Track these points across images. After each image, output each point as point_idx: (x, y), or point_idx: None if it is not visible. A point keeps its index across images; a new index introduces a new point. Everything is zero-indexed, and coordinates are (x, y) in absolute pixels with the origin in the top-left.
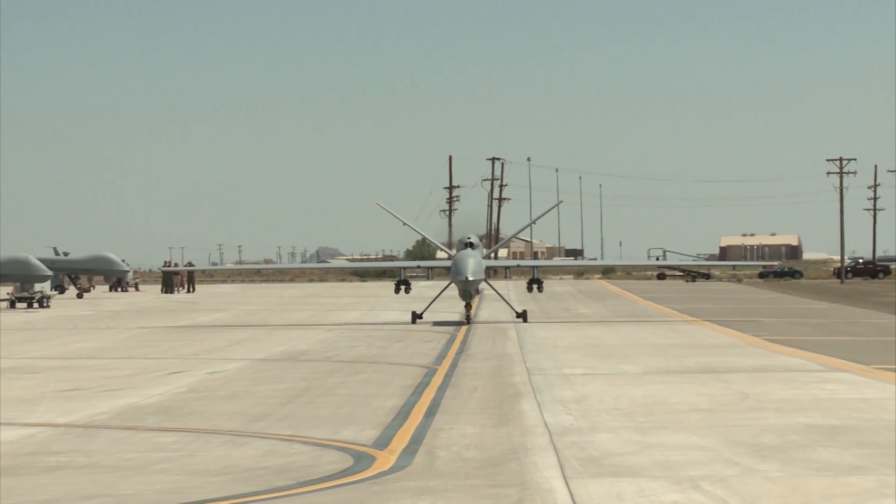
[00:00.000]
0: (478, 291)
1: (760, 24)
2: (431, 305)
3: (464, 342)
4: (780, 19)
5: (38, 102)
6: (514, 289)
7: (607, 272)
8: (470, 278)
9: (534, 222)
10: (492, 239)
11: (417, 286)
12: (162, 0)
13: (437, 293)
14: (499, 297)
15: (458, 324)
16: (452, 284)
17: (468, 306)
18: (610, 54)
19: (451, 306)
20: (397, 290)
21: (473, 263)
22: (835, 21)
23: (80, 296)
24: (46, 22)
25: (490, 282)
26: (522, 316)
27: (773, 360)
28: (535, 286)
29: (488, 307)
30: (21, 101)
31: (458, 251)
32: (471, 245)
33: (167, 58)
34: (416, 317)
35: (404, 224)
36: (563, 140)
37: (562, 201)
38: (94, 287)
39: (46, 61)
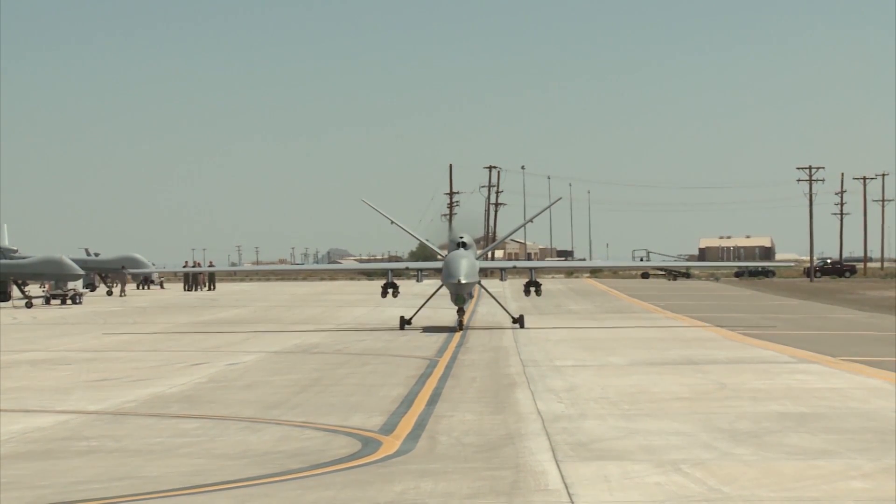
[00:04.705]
0: (471, 295)
1: (737, 47)
2: (427, 305)
3: (463, 337)
4: (754, 42)
5: (70, 116)
6: (509, 288)
7: (595, 272)
8: (463, 281)
9: (531, 220)
10: (489, 242)
11: (421, 285)
12: (191, 19)
13: (429, 296)
14: (494, 299)
15: (451, 330)
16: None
17: (461, 311)
18: (598, 72)
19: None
20: (384, 295)
21: (466, 265)
22: (805, 42)
23: (109, 293)
24: (77, 33)
25: (485, 284)
26: (519, 321)
27: (747, 352)
28: (532, 289)
29: (483, 308)
30: (55, 113)
31: (449, 251)
32: (463, 245)
33: (191, 71)
34: (404, 322)
35: (392, 223)
36: (555, 150)
37: (560, 198)
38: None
39: (77, 71)
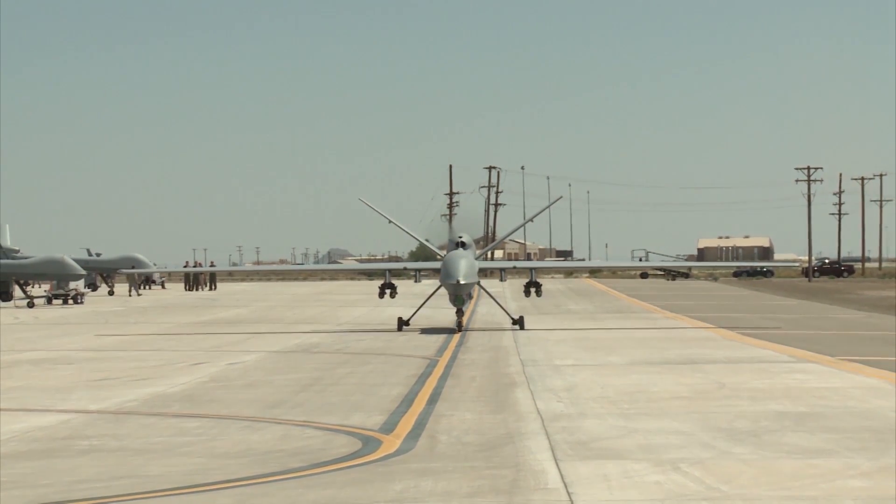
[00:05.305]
0: (470, 296)
1: (735, 48)
2: (426, 306)
3: (462, 337)
4: (753, 44)
5: (72, 117)
6: (509, 288)
7: (595, 272)
8: (462, 281)
9: (530, 220)
10: (488, 242)
11: (421, 285)
12: (193, 21)
13: (428, 296)
14: (493, 299)
15: (450, 331)
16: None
17: (460, 312)
18: (597, 73)
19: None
20: (381, 295)
21: (465, 265)
22: (803, 43)
23: (110, 293)
24: (78, 34)
25: (484, 284)
26: (519, 323)
27: (746, 352)
28: (532, 289)
29: (482, 308)
30: (56, 114)
31: (448, 251)
32: (462, 244)
33: (193, 72)
34: (402, 323)
35: (390, 222)
36: (554, 150)
37: (560, 197)
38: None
39: (78, 72)
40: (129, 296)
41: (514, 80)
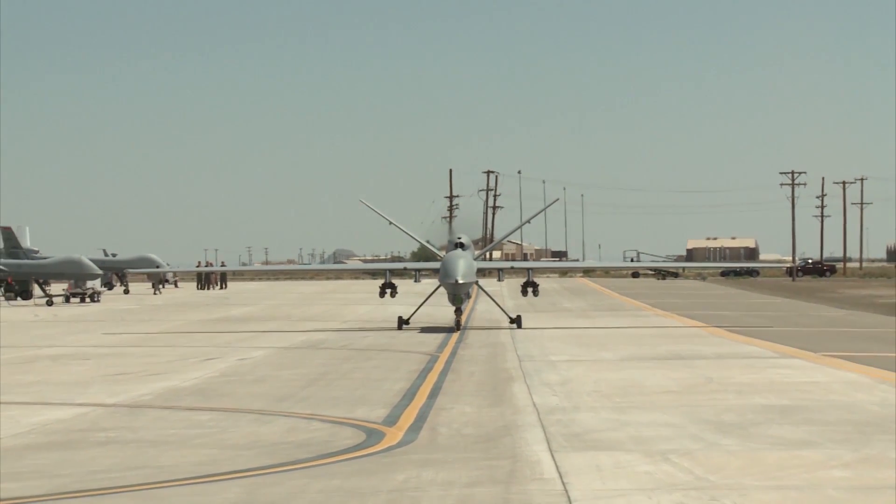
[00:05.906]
0: (469, 295)
1: (724, 59)
2: (426, 304)
3: (461, 335)
4: (741, 54)
5: (87, 122)
6: (506, 287)
7: (588, 272)
8: (460, 281)
9: (527, 222)
10: (487, 243)
11: (422, 284)
12: (200, 25)
13: (428, 296)
14: (491, 299)
15: (449, 330)
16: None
17: (458, 311)
18: (591, 81)
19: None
20: (382, 295)
21: (464, 265)
22: (789, 52)
23: (126, 291)
24: (92, 38)
25: (482, 284)
26: (517, 322)
27: (733, 348)
28: (529, 289)
29: (480, 307)
30: (72, 120)
31: (447, 252)
32: (461, 245)
33: (202, 77)
34: (402, 322)
35: (391, 224)
36: (551, 155)
37: (557, 199)
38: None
39: (94, 76)
40: (155, 293)
41: (513, 87)
